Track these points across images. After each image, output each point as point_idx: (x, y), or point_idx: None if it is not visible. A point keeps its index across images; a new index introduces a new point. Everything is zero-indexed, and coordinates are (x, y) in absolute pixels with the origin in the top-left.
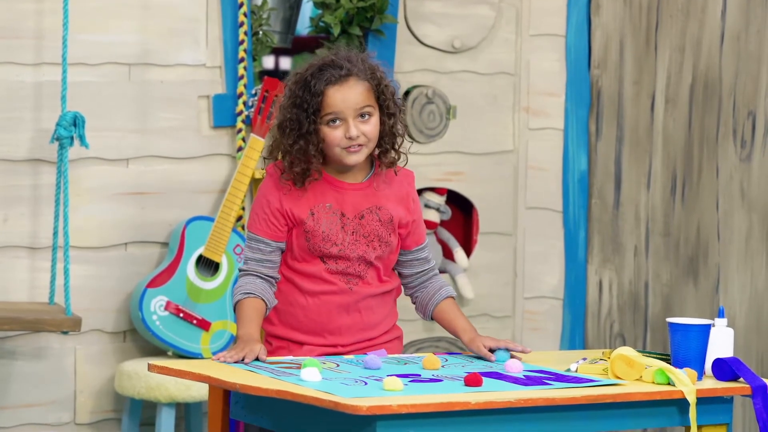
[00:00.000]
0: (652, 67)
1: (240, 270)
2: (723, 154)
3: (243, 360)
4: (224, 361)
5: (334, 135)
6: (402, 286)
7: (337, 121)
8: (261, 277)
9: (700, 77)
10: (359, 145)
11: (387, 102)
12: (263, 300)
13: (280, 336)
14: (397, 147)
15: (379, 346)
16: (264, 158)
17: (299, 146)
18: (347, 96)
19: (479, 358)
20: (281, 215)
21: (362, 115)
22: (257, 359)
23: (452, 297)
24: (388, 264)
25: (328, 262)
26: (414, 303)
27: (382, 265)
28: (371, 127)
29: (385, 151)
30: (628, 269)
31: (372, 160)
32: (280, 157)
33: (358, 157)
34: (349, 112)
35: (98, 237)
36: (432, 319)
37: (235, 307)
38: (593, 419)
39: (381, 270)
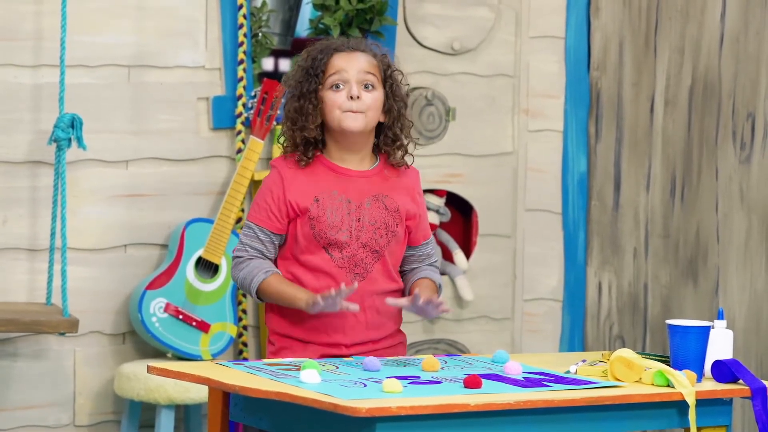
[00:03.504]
0: (651, 69)
1: (239, 256)
2: (722, 156)
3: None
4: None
5: (335, 97)
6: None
7: (341, 86)
8: (267, 261)
9: (699, 79)
10: (359, 112)
11: (394, 87)
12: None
13: (284, 334)
14: (403, 143)
15: (382, 352)
16: (277, 142)
17: (298, 105)
18: (353, 60)
19: (479, 360)
20: (283, 205)
21: (366, 86)
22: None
23: (429, 279)
24: (395, 259)
25: (333, 252)
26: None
27: (390, 258)
28: (373, 97)
29: (392, 144)
30: (627, 271)
31: (376, 154)
32: (283, 134)
33: (356, 123)
34: (352, 74)
35: (97, 239)
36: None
37: (261, 288)
38: (593, 421)
39: (389, 264)
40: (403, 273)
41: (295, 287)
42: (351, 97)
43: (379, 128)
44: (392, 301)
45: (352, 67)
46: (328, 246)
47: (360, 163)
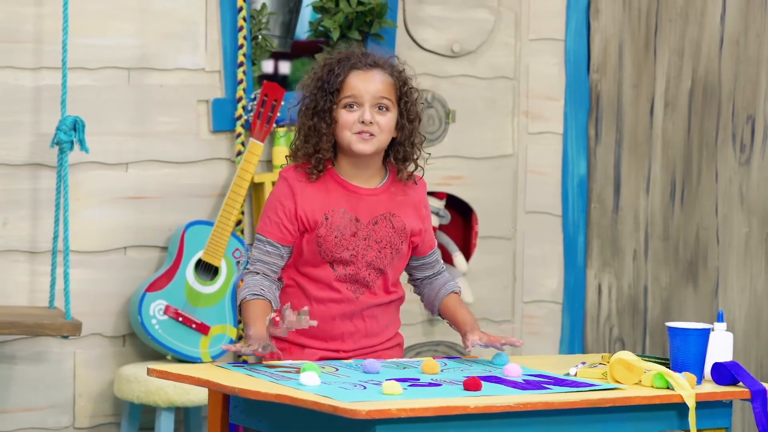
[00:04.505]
0: (651, 71)
1: (246, 270)
2: (722, 158)
3: (259, 350)
4: (238, 351)
5: (347, 118)
6: (412, 285)
7: (354, 107)
8: (268, 278)
9: (699, 81)
10: (371, 135)
11: (408, 105)
12: (270, 302)
13: (282, 338)
14: (415, 157)
15: (380, 354)
16: (287, 157)
17: (312, 123)
18: (369, 82)
19: (479, 362)
20: (295, 219)
21: (380, 107)
22: (272, 357)
23: (456, 292)
24: (396, 273)
25: (338, 268)
26: (422, 301)
27: (392, 274)
28: (386, 119)
29: (403, 160)
30: (627, 273)
31: (386, 166)
32: (294, 147)
33: (367, 147)
34: (367, 98)
35: (98, 241)
36: (440, 315)
37: (242, 305)
38: (592, 423)
39: (390, 279)
40: (416, 281)
41: (254, 320)
42: (363, 122)
43: (392, 142)
44: (471, 344)
45: (367, 90)
46: (333, 262)
47: (370, 180)
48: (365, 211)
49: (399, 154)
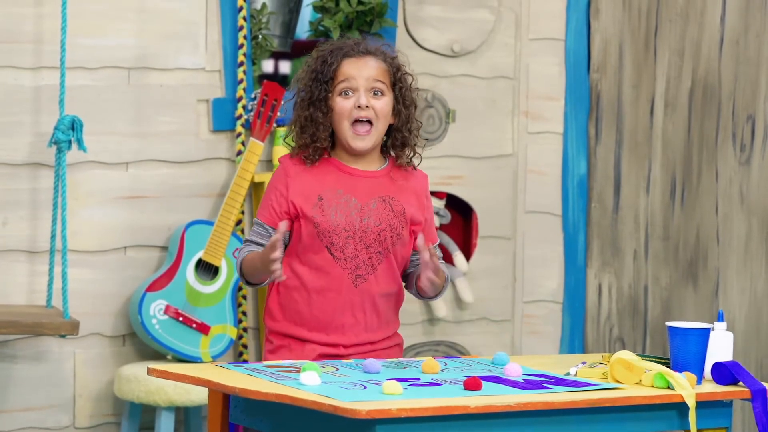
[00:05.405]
0: (651, 71)
1: (237, 249)
2: (722, 158)
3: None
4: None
5: (343, 105)
6: (404, 281)
7: (349, 93)
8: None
9: (699, 81)
10: (368, 123)
11: (403, 90)
12: None
13: (282, 332)
14: (412, 144)
15: (379, 354)
16: (284, 142)
17: (308, 113)
18: (362, 68)
19: (479, 362)
20: (285, 203)
21: (375, 92)
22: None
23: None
24: (400, 260)
25: (336, 252)
26: (405, 284)
27: (395, 260)
28: (382, 104)
29: (401, 146)
30: (627, 273)
31: (384, 156)
32: (292, 136)
33: (364, 143)
34: (361, 83)
35: (98, 241)
36: (417, 290)
37: (242, 266)
38: (592, 423)
39: (394, 265)
40: (408, 275)
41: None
42: (359, 107)
43: (389, 129)
44: (428, 277)
45: (361, 75)
46: (331, 246)
47: (368, 164)
48: (363, 192)
49: (396, 140)
